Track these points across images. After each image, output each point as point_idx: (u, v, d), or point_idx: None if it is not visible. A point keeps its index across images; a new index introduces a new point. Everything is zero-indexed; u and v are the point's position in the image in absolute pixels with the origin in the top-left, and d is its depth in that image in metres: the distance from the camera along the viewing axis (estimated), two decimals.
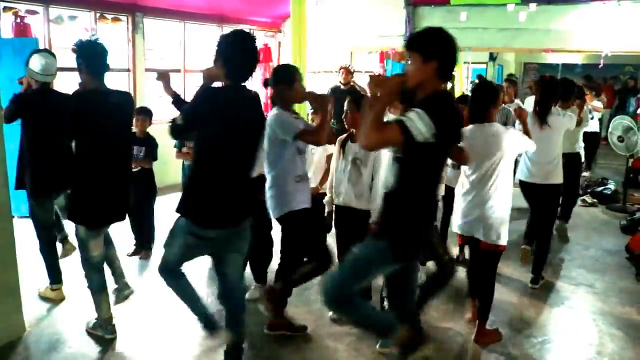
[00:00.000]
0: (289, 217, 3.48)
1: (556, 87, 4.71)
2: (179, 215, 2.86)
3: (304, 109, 6.34)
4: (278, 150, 3.43)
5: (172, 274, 3.01)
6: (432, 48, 2.47)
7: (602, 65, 9.34)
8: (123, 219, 3.73)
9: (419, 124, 2.33)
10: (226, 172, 2.80)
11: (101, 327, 3.67)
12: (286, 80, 3.46)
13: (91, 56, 3.36)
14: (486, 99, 3.61)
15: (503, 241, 3.50)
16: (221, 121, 2.70)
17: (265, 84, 3.70)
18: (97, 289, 3.61)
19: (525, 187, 4.77)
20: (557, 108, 4.79)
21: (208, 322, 3.13)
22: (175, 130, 2.84)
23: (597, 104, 8.55)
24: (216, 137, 2.74)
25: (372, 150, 3.02)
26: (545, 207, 4.71)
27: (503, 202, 3.48)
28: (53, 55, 4.08)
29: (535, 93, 4.77)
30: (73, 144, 3.64)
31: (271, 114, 3.46)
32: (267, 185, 3.53)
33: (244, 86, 2.85)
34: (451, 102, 2.68)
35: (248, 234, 3.04)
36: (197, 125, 2.74)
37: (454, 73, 2.86)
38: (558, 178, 4.63)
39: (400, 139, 2.35)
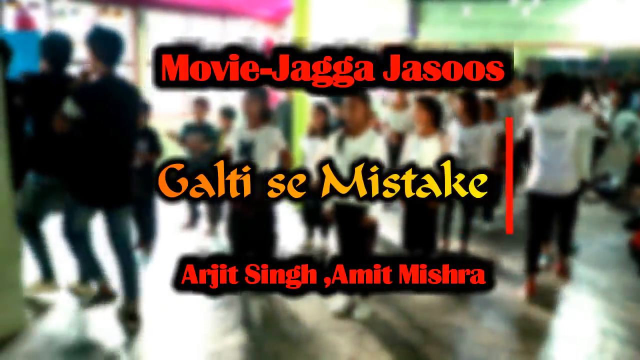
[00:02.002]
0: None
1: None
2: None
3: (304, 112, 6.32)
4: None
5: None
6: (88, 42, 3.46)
7: (606, 61, 9.30)
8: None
9: (67, 106, 3.36)
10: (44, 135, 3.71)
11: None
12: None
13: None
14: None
15: None
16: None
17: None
18: None
19: None
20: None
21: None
22: None
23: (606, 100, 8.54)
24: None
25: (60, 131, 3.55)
26: None
27: None
28: None
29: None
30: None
31: (583, 113, 4.61)
32: (571, 168, 4.29)
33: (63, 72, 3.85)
34: (109, 86, 3.47)
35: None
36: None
37: None
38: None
39: (62, 119, 3.39)
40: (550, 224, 4.57)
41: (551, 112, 4.29)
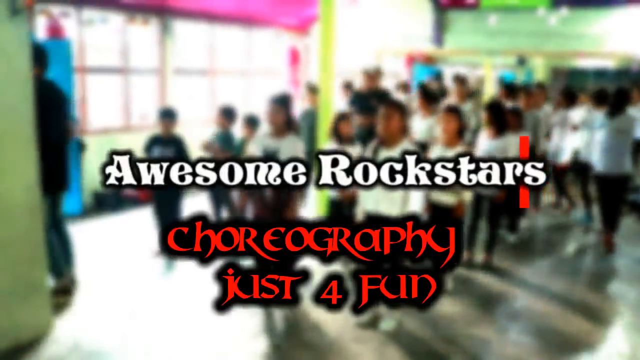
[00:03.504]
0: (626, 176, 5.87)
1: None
2: None
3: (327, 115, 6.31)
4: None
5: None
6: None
7: (635, 70, 9.15)
8: None
9: None
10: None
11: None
12: None
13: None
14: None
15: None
16: None
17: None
18: None
19: None
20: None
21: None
22: None
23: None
24: None
25: None
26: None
27: None
28: None
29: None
30: None
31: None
32: (628, 155, 5.79)
33: None
34: (45, 89, 3.94)
35: None
36: None
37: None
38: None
39: None
40: (611, 200, 5.92)
41: (618, 116, 5.78)
